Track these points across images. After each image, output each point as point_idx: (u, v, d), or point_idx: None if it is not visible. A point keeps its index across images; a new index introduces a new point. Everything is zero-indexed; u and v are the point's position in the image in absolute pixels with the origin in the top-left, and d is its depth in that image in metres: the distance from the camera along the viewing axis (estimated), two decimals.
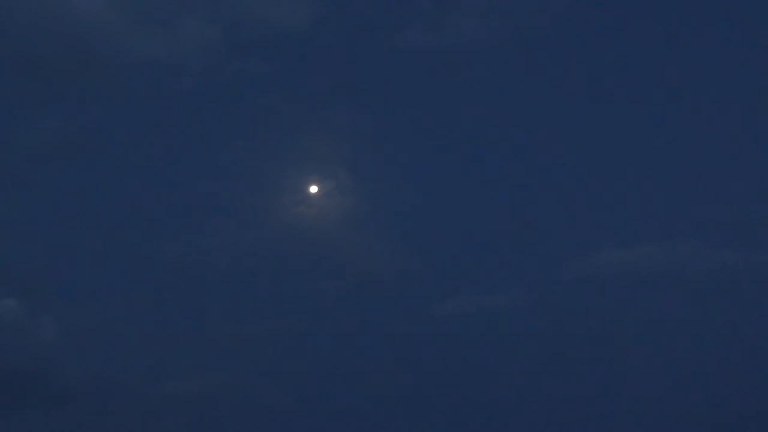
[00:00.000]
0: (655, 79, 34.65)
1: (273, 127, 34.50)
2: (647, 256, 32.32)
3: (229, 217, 33.51)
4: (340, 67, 35.16)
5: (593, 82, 34.90)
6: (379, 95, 35.04)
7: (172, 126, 34.37)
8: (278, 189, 33.81)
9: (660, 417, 29.62)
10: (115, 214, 33.13)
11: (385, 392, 30.57)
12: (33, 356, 30.55)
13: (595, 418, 29.68)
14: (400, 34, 35.31)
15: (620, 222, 33.05)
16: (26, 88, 33.87)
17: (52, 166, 33.46)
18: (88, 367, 30.57)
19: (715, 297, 31.22)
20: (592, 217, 33.09)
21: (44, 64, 33.69)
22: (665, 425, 29.51)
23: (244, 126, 34.52)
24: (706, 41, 34.71)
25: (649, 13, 35.18)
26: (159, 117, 34.30)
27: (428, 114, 34.97)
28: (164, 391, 30.59)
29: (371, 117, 34.70)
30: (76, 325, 31.06)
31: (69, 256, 32.10)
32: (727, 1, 34.80)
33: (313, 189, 33.66)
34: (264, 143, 34.45)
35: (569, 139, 34.44)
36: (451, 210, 33.69)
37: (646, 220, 33.06)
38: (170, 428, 30.16)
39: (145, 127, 34.21)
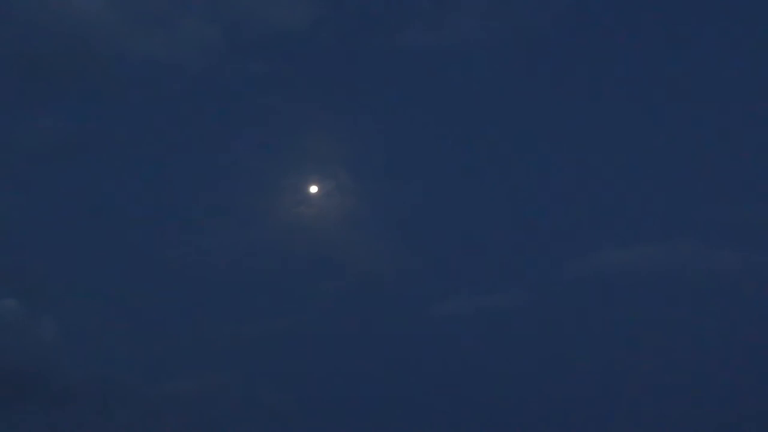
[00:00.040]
0: (655, 79, 34.69)
1: (273, 127, 34.55)
2: (647, 256, 32.35)
3: (229, 217, 33.56)
4: (340, 67, 35.21)
5: (593, 82, 34.92)
6: (379, 95, 35.10)
7: (172, 126, 34.42)
8: (278, 189, 33.85)
9: (660, 417, 29.63)
10: (115, 214, 33.17)
11: (385, 392, 30.58)
12: (33, 356, 30.54)
13: (595, 418, 29.69)
14: (400, 34, 35.36)
15: (620, 222, 33.09)
16: (26, 88, 33.92)
17: (52, 166, 33.51)
18: (88, 367, 30.60)
19: (715, 297, 31.24)
20: (592, 217, 33.12)
21: (44, 64, 33.72)
22: (665, 425, 29.52)
23: (244, 126, 34.57)
24: (707, 41, 34.74)
25: (649, 13, 35.25)
26: (159, 117, 34.37)
27: (428, 114, 35.03)
28: (164, 391, 30.62)
29: (371, 117, 34.76)
30: (76, 325, 31.08)
31: (69, 256, 32.13)
32: (727, 1, 34.86)
33: (313, 189, 33.70)
34: (264, 143, 34.51)
35: (569, 139, 34.48)
36: (451, 210, 33.73)
37: (646, 220, 33.09)
38: (170, 428, 30.16)
39: (145, 127, 34.25)
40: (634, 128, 34.15)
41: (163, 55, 34.33)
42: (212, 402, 30.60)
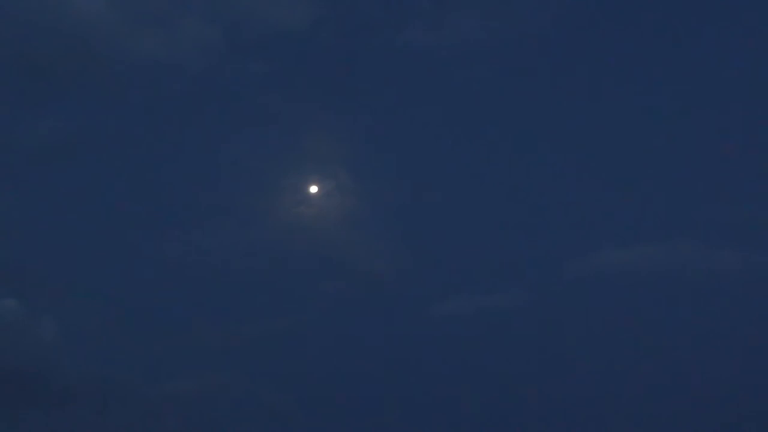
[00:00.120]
0: (655, 80, 34.71)
1: (273, 127, 34.56)
2: (647, 256, 32.35)
3: (229, 217, 33.58)
4: (340, 67, 35.21)
5: (593, 82, 34.93)
6: (378, 95, 35.10)
7: (172, 126, 34.43)
8: (278, 189, 33.87)
9: (660, 417, 29.64)
10: (115, 213, 33.19)
11: (385, 392, 30.59)
12: (33, 356, 30.55)
13: (595, 417, 29.70)
14: (400, 34, 35.38)
15: (620, 222, 33.10)
16: (26, 88, 33.95)
17: (52, 166, 33.53)
18: (88, 367, 30.60)
19: (715, 297, 31.25)
20: (592, 217, 33.12)
21: (44, 64, 33.75)
22: (665, 425, 29.52)
23: (244, 126, 34.57)
24: (707, 41, 34.75)
25: (649, 14, 35.26)
26: (159, 117, 34.38)
27: (428, 114, 35.03)
28: (164, 391, 30.63)
29: (371, 117, 34.77)
30: (76, 325, 31.10)
31: (69, 256, 32.14)
32: (727, 1, 34.87)
33: (313, 189, 33.71)
34: (264, 143, 34.52)
35: (569, 139, 34.50)
36: (451, 210, 33.73)
37: (646, 220, 33.10)
38: (170, 428, 30.18)
39: (145, 127, 34.27)
40: (634, 128, 34.20)
41: (163, 55, 34.39)
42: (212, 402, 30.64)
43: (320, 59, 35.19)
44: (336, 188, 33.83)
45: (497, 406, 30.12)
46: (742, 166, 33.11)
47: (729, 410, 29.31)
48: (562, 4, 35.41)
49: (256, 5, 34.82)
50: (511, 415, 29.98)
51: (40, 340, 30.85)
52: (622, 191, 33.56)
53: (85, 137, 33.95)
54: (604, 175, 33.96)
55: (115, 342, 30.76)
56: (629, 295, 31.64)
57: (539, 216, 33.42)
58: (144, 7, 34.50)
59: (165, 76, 34.53)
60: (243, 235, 33.13)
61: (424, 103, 35.02)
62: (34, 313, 31.12)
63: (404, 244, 33.22)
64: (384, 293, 32.54)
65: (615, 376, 30.49)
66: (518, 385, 30.46)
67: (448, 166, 34.52)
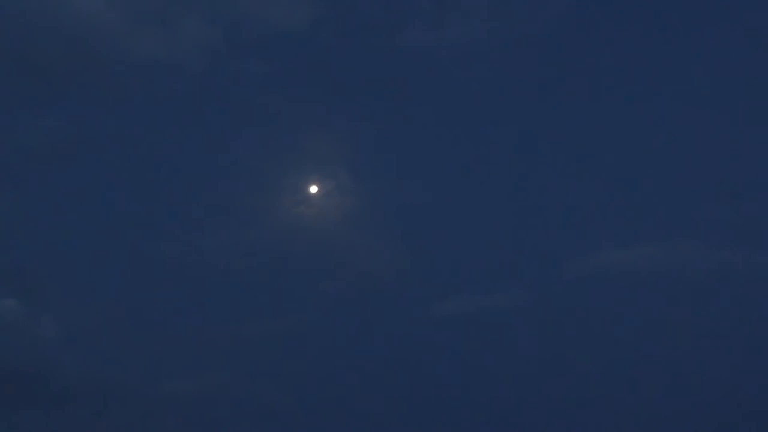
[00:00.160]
0: (655, 79, 34.68)
1: (273, 127, 34.54)
2: (647, 256, 32.33)
3: (229, 217, 33.56)
4: (340, 67, 35.19)
5: (593, 82, 34.91)
6: (379, 95, 35.04)
7: (172, 126, 34.42)
8: (278, 189, 33.84)
9: (660, 417, 29.63)
10: (115, 214, 33.18)
11: (385, 392, 30.59)
12: (33, 356, 30.55)
13: (595, 417, 29.70)
14: (400, 34, 35.35)
15: (620, 222, 33.07)
16: (26, 88, 33.92)
17: (52, 166, 33.51)
18: (88, 367, 30.59)
19: (715, 297, 31.23)
20: (592, 217, 33.11)
21: (44, 64, 33.71)
22: (665, 425, 29.52)
23: (244, 126, 34.56)
24: (706, 41, 34.73)
25: (649, 14, 35.24)
26: (159, 117, 34.36)
27: (428, 114, 35.02)
28: (164, 391, 30.62)
29: (371, 117, 34.72)
30: (76, 325, 31.09)
31: (69, 256, 32.13)
32: (727, 1, 34.86)
33: (313, 189, 33.70)
34: (264, 143, 34.50)
35: (569, 139, 34.47)
36: (451, 210, 33.72)
37: (646, 220, 33.07)
38: (170, 428, 30.17)
39: (145, 127, 34.25)
40: (634, 128, 34.18)
41: (163, 55, 34.37)
42: (212, 402, 30.63)
43: (320, 59, 35.21)
44: (336, 188, 33.87)
45: (497, 406, 30.12)
46: (742, 166, 33.15)
47: (729, 410, 29.32)
48: (562, 4, 35.46)
49: (256, 5, 34.84)
50: (511, 415, 29.98)
51: (40, 340, 30.87)
52: (622, 191, 33.58)
53: (85, 137, 33.97)
54: (605, 175, 33.98)
55: (115, 342, 30.78)
56: (629, 295, 31.65)
57: (539, 216, 33.43)
58: (144, 7, 34.53)
59: (165, 76, 34.55)
60: (243, 235, 33.16)
61: (424, 103, 35.05)
62: (34, 313, 31.16)
63: (404, 244, 33.24)
64: (384, 293, 32.56)
65: (615, 376, 30.49)
66: (518, 385, 30.47)
67: (448, 166, 34.56)
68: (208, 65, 34.64)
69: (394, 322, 31.77)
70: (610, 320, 31.24)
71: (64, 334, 30.98)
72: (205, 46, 34.55)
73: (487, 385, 30.56)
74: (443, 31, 35.42)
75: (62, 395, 30.14)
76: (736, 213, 32.22)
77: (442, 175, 34.38)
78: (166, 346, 30.87)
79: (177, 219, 33.38)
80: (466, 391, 30.49)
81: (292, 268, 32.71)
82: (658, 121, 34.23)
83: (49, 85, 33.96)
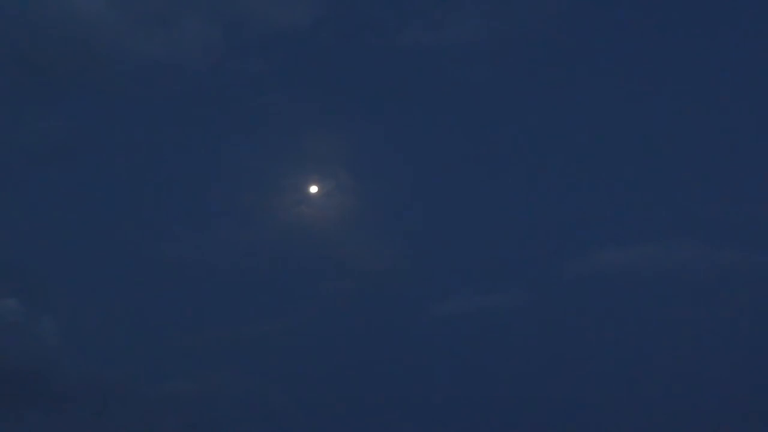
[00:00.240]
0: (655, 79, 34.67)
1: (273, 127, 34.55)
2: (647, 256, 32.34)
3: (229, 217, 33.57)
4: (341, 67, 35.19)
5: (593, 81, 34.88)
6: (379, 95, 35.07)
7: (172, 126, 34.43)
8: (278, 189, 33.85)
9: (660, 417, 29.62)
10: (115, 214, 33.19)
11: (385, 392, 30.58)
12: (33, 356, 30.56)
13: (595, 417, 29.69)
14: (400, 34, 35.35)
15: (620, 222, 33.07)
16: (26, 88, 33.95)
17: (52, 166, 33.55)
18: (88, 367, 30.60)
19: (715, 297, 31.24)
20: (592, 217, 33.09)
21: (44, 64, 33.74)
22: (665, 425, 29.51)
23: (244, 126, 34.56)
24: (707, 41, 34.72)
25: (649, 13, 35.22)
26: (159, 117, 34.37)
27: (428, 114, 35.02)
28: (164, 391, 30.62)
29: (371, 117, 34.74)
30: (76, 325, 31.12)
31: (69, 256, 32.14)
32: (727, 1, 34.86)
33: (313, 189, 33.70)
34: (264, 143, 34.51)
35: (569, 138, 34.47)
36: (451, 210, 33.73)
37: (646, 220, 33.07)
38: (170, 428, 30.18)
39: (145, 127, 34.26)
40: (634, 128, 34.18)
41: (163, 55, 34.39)
42: (212, 402, 30.64)
43: (320, 59, 35.22)
44: (336, 188, 33.87)
45: (497, 406, 30.12)
46: (742, 166, 33.14)
47: (729, 410, 29.32)
48: (562, 4, 35.44)
49: (257, 5, 34.86)
50: (511, 415, 29.97)
51: (40, 340, 30.88)
52: (622, 191, 33.58)
53: (85, 137, 34.01)
54: (605, 175, 33.98)
55: (115, 342, 30.79)
56: (629, 295, 31.66)
57: (539, 216, 33.43)
58: (144, 7, 34.55)
59: (165, 76, 34.56)
60: (243, 235, 33.16)
61: (425, 103, 35.06)
62: (34, 313, 31.18)
63: (404, 244, 33.24)
64: (384, 293, 32.56)
65: (615, 376, 30.49)
66: (518, 385, 30.47)
67: (448, 166, 34.55)
68: (208, 65, 34.72)
69: (394, 322, 31.80)
70: (610, 320, 31.26)
71: (64, 334, 31.03)
72: (205, 46, 34.61)
73: (487, 385, 30.57)
74: (443, 31, 35.45)
75: (62, 395, 30.15)
76: (736, 213, 32.24)
77: (442, 175, 34.42)
78: (166, 346, 30.90)
79: (177, 219, 33.45)
80: (466, 390, 30.49)
81: (292, 268, 32.74)
82: (658, 121, 34.27)
83: (49, 85, 34.05)
